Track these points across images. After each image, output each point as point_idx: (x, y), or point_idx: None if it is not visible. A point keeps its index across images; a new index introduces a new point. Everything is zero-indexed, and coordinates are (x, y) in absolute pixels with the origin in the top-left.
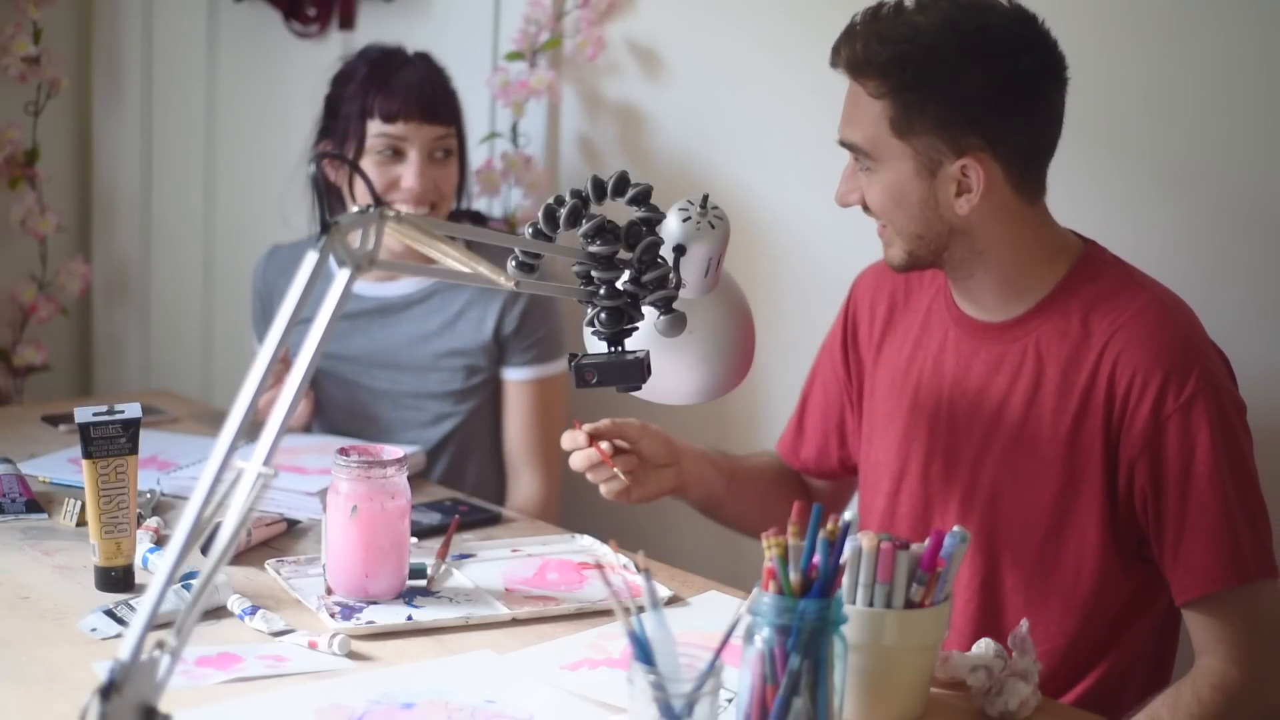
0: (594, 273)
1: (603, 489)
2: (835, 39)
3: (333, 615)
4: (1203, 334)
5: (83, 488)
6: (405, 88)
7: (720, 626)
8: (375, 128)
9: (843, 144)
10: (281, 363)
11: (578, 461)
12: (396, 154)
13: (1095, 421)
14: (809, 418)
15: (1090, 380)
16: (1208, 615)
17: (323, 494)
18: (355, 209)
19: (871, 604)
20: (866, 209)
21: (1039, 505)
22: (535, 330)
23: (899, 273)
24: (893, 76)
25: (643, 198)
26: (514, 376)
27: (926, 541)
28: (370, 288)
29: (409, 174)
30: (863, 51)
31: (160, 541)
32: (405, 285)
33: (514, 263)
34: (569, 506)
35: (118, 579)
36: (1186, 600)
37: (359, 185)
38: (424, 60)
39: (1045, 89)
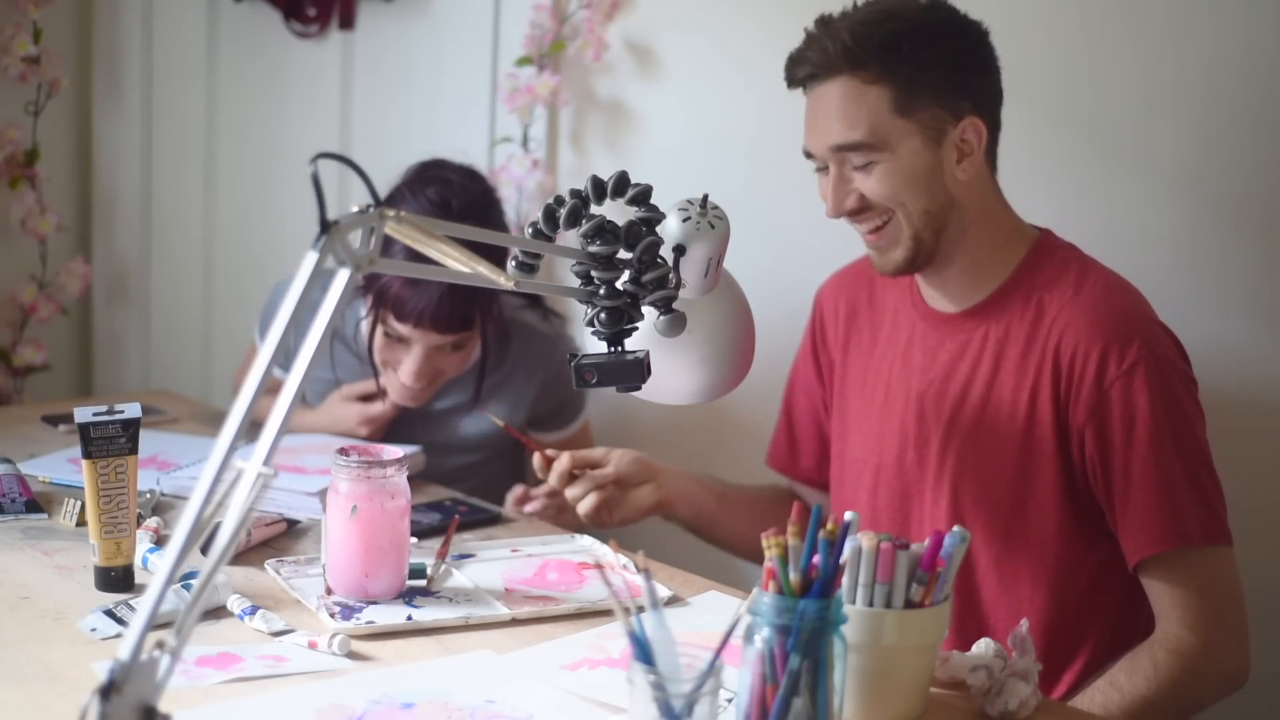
0: (594, 273)
1: (580, 509)
2: (791, 58)
3: (332, 615)
4: (1148, 311)
5: (83, 488)
6: (426, 293)
7: (720, 626)
8: (388, 314)
9: (841, 148)
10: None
11: (554, 478)
12: (402, 340)
13: (1046, 395)
14: (799, 427)
15: (1041, 356)
16: (1157, 579)
17: (323, 494)
18: (355, 209)
19: (871, 604)
20: (859, 212)
21: (1002, 483)
22: (566, 406)
23: (893, 276)
24: (891, 53)
25: (642, 198)
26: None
27: (926, 541)
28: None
29: (406, 369)
30: (852, 41)
31: (160, 541)
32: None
33: (514, 263)
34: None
35: (118, 579)
36: (1134, 564)
37: None
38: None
39: (992, 54)
